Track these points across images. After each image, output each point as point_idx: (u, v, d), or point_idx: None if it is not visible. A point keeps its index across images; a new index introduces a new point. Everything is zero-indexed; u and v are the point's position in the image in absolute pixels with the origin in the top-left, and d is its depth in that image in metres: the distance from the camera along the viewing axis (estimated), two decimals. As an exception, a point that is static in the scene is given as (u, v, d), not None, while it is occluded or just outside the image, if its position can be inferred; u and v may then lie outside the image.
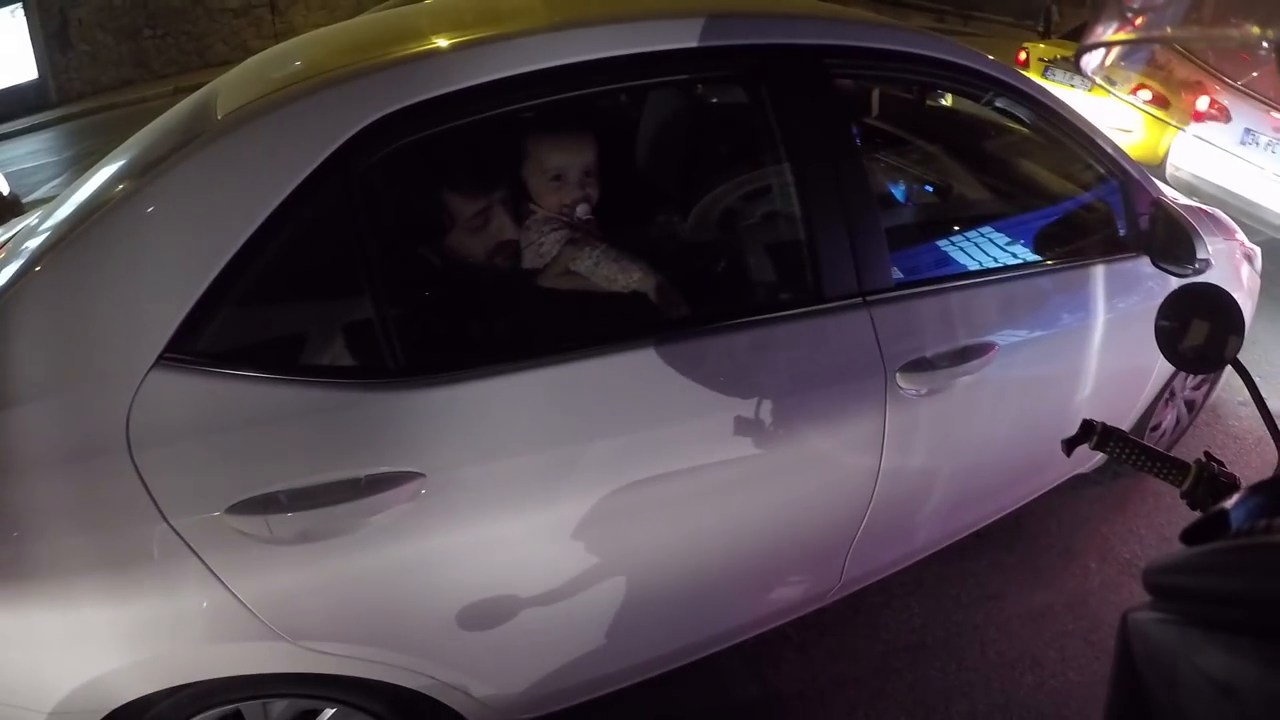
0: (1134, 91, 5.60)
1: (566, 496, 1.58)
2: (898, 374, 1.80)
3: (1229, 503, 0.66)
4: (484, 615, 1.62)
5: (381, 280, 1.46)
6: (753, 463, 1.72)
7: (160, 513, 1.33)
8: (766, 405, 1.69)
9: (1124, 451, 1.25)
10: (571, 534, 1.60)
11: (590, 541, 1.62)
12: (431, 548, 1.50)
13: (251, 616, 1.43)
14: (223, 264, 1.36)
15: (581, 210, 1.86)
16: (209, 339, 1.36)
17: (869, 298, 1.76)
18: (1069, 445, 1.33)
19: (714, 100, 2.20)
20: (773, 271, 1.83)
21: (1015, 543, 2.89)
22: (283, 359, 1.45)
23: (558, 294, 1.82)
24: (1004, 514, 2.61)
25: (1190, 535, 0.67)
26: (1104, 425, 1.28)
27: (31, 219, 2.01)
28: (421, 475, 1.44)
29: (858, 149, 1.81)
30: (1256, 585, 0.53)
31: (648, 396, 1.60)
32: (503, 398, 1.52)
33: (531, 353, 1.56)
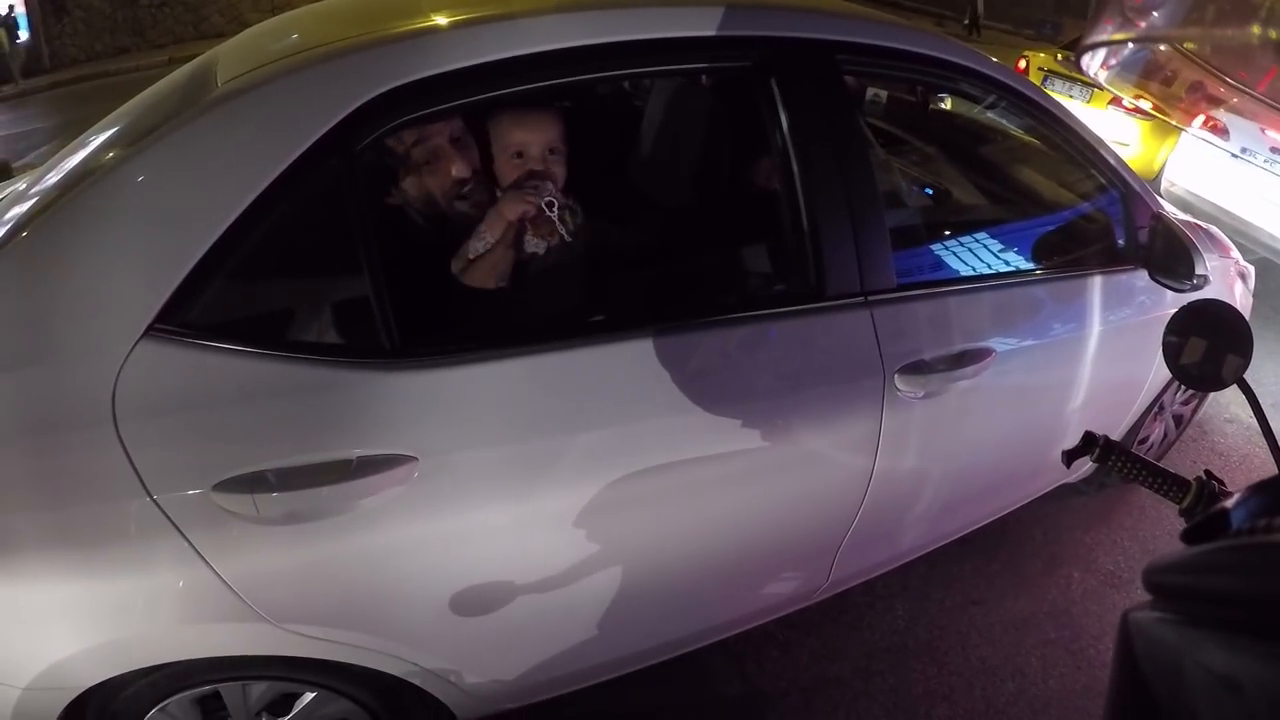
0: (1135, 99, 5.53)
1: (559, 486, 1.56)
2: (896, 376, 1.79)
3: (1229, 502, 0.66)
4: (471, 604, 1.60)
5: (379, 259, 1.42)
6: (747, 458, 1.70)
7: (144, 487, 1.30)
8: (763, 401, 1.68)
9: (1126, 466, 1.24)
10: (562, 525, 1.58)
11: (581, 533, 1.60)
12: (421, 533, 1.47)
13: (234, 597, 1.41)
14: (217, 235, 1.32)
15: (545, 188, 1.78)
16: (201, 311, 1.33)
17: (871, 297, 1.75)
18: (1070, 457, 1.32)
19: (721, 90, 2.17)
20: (775, 266, 1.81)
21: (999, 549, 2.90)
22: (276, 335, 1.41)
23: (556, 280, 1.80)
24: (991, 520, 2.61)
25: (1191, 535, 0.68)
26: (1106, 438, 1.27)
27: (20, 184, 1.97)
28: (414, 459, 1.42)
29: (866, 147, 1.79)
30: (1257, 584, 0.53)
31: (645, 387, 1.57)
32: (498, 383, 1.49)
33: (528, 339, 1.54)
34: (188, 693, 1.61)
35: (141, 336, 1.30)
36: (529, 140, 1.78)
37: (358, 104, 1.40)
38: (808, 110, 1.71)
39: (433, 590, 1.56)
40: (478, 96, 1.53)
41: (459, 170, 1.81)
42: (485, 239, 1.71)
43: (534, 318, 1.77)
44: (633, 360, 1.57)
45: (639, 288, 1.77)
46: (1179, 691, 0.55)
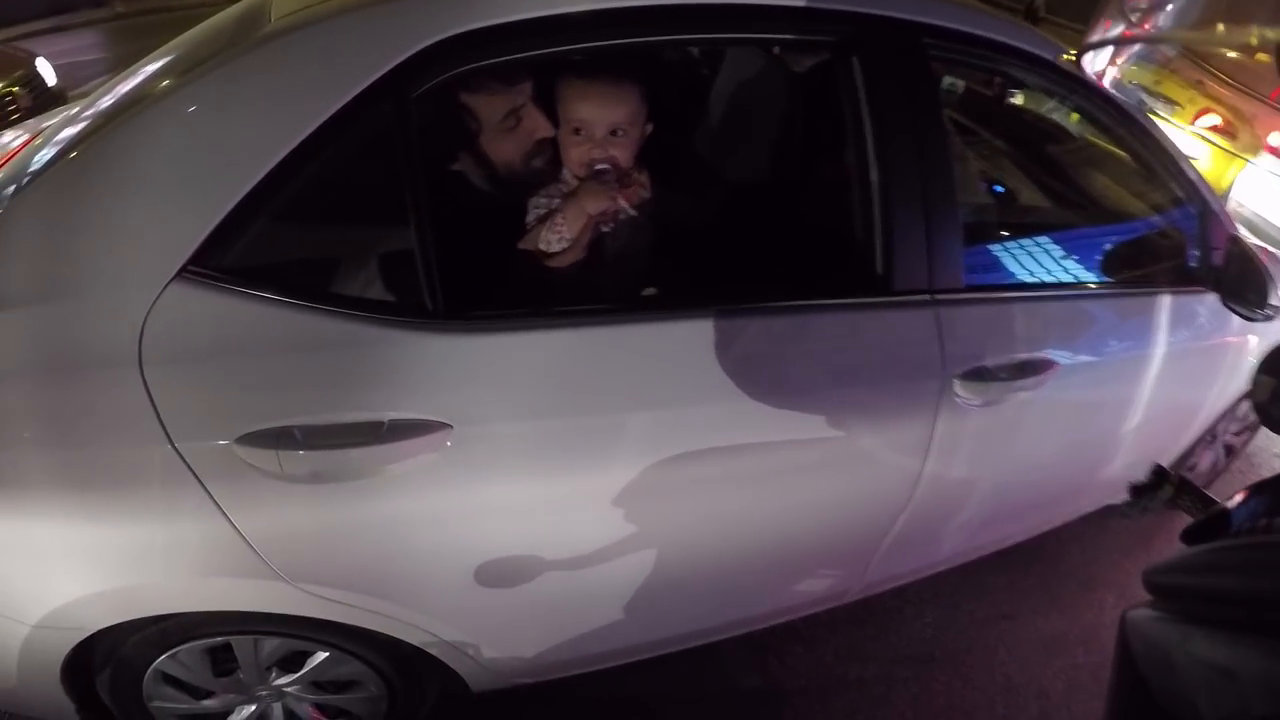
0: (1196, 118, 5.34)
1: (596, 466, 1.49)
2: (956, 381, 1.70)
3: (1230, 502, 0.66)
4: (495, 578, 1.54)
5: (428, 212, 1.34)
6: (793, 452, 1.62)
7: (166, 434, 1.25)
8: (816, 394, 1.59)
9: (1195, 505, 1.17)
10: (596, 505, 1.52)
11: (615, 515, 1.53)
12: (449, 504, 1.41)
13: (251, 553, 1.36)
14: (260, 176, 1.25)
15: (621, 177, 1.68)
16: (238, 255, 1.26)
17: (938, 296, 1.65)
18: (1139, 493, 1.25)
19: (798, 64, 2.06)
20: (841, 255, 1.69)
21: (1034, 564, 2.81)
22: (314, 286, 1.34)
23: (611, 252, 1.72)
24: (1031, 535, 2.53)
25: (1191, 535, 0.68)
26: (1181, 477, 1.20)
27: (71, 109, 1.93)
28: (448, 426, 1.35)
29: (945, 137, 1.68)
30: (1256, 584, 0.53)
31: (695, 370, 1.49)
32: (543, 354, 1.42)
33: (577, 309, 1.47)
34: (198, 642, 1.59)
35: (174, 277, 1.24)
36: (592, 119, 1.67)
37: (416, 49, 1.32)
38: (889, 93, 1.61)
39: (457, 562, 1.50)
40: (541, 51, 1.44)
41: (545, 129, 1.70)
42: (562, 234, 1.63)
43: (584, 289, 1.69)
44: (684, 341, 1.49)
45: (696, 265, 1.67)
46: (1176, 683, 0.55)
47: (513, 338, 1.40)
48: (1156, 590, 0.67)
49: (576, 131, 1.68)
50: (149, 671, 1.61)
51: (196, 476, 1.28)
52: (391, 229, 1.37)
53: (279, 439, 1.28)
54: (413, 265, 1.34)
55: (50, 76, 5.72)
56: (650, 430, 1.50)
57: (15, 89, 5.31)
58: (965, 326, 1.70)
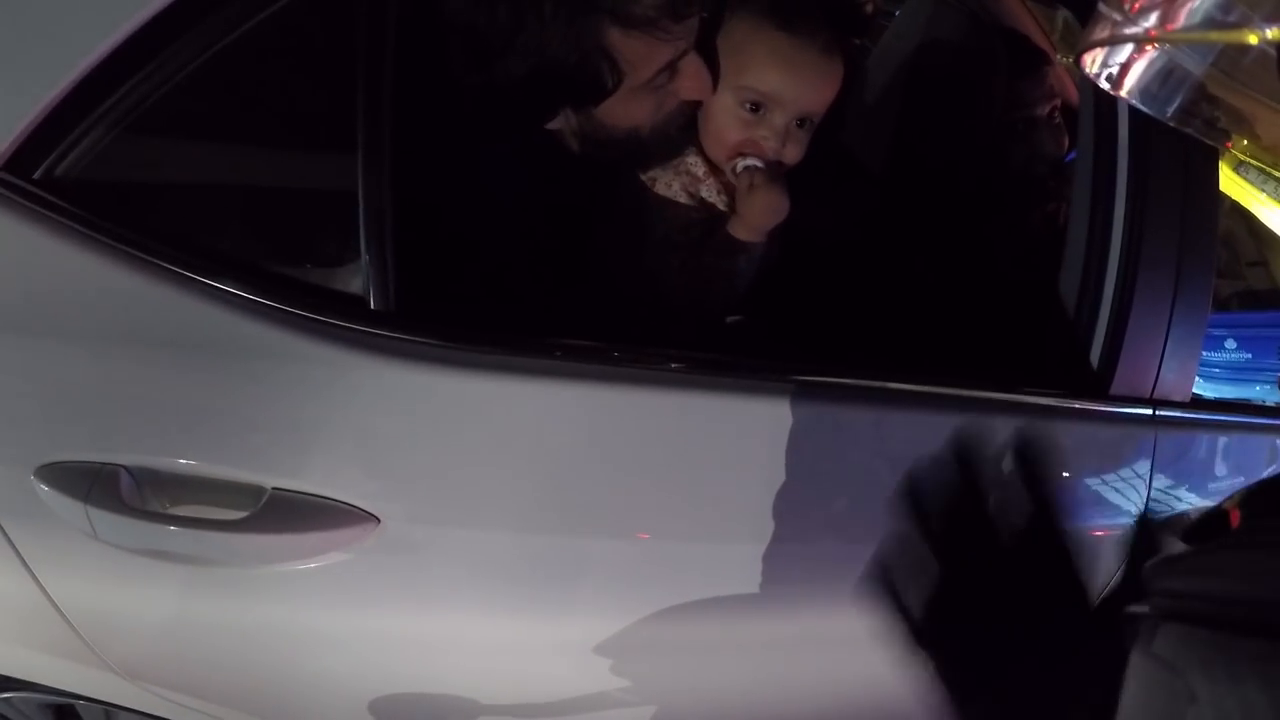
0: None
1: (592, 607, 0.95)
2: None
3: (1230, 502, 0.62)
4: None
5: (391, 142, 0.80)
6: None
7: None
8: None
9: None
10: (576, 657, 0.98)
11: (600, 671, 0.99)
12: (355, 625, 0.91)
13: (69, 629, 0.91)
14: (116, 40, 0.74)
15: (745, 163, 1.07)
16: (76, 163, 0.76)
17: (1159, 412, 1.09)
18: None
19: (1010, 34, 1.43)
20: (1040, 330, 1.13)
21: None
22: (190, 236, 0.80)
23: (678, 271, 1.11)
24: None
25: (1192, 534, 0.65)
26: None
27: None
28: (374, 520, 0.83)
29: (1217, 179, 1.11)
30: (1257, 586, 0.51)
31: (770, 477, 0.93)
32: (572, 415, 0.88)
33: (603, 351, 0.89)
34: (29, 694, 1.14)
35: None
36: (787, 96, 1.05)
37: None
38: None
39: (359, 694, 0.99)
40: None
41: (699, 90, 1.06)
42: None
43: (625, 319, 1.05)
44: (761, 428, 0.92)
45: (802, 307, 1.11)
46: (1178, 687, 0.51)
47: (528, 386, 0.85)
48: (1157, 590, 0.57)
49: (752, 108, 1.07)
50: (-21, 708, 1.22)
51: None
52: (328, 162, 0.83)
53: (94, 484, 0.78)
54: (352, 228, 0.79)
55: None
56: (679, 567, 0.95)
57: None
58: (1183, 460, 1.14)
